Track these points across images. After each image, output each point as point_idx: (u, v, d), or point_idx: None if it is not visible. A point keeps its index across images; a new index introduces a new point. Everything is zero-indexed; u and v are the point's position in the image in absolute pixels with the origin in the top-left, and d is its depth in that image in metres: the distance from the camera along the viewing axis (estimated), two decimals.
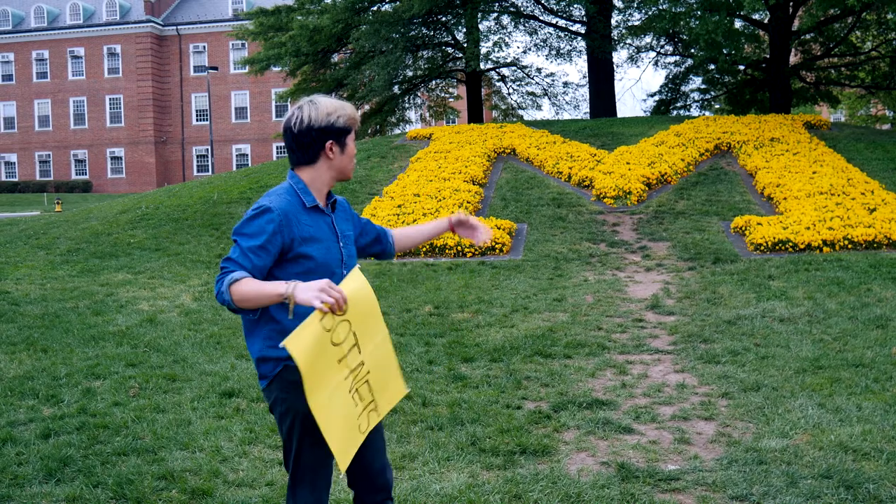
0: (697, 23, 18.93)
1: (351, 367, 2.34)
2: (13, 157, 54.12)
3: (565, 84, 29.80)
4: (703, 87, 28.25)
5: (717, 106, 29.87)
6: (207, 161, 51.43)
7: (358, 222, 2.75)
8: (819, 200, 12.16)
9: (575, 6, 24.58)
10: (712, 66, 24.36)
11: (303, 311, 2.24)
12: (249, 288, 2.27)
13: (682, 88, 28.20)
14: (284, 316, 2.36)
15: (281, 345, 2.14)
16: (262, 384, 2.48)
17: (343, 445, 2.33)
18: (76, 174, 53.20)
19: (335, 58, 28.52)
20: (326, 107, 2.46)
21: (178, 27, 53.13)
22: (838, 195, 12.44)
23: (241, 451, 4.37)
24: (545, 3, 25.65)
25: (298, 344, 2.17)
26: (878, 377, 5.50)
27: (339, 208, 2.61)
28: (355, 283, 2.33)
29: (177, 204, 15.37)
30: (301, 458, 2.46)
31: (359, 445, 2.41)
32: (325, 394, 2.26)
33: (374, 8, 24.72)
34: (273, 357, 2.42)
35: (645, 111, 29.70)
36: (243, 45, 49.15)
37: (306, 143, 2.46)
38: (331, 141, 2.47)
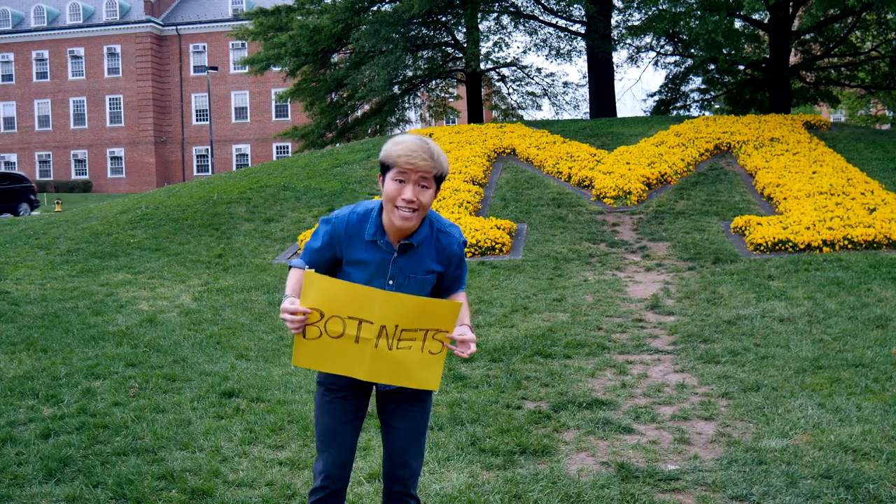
0: (697, 23, 18.94)
1: (375, 335, 2.41)
2: (13, 157, 54.11)
3: (565, 84, 29.81)
4: (703, 87, 28.26)
5: (716, 106, 29.87)
6: (207, 161, 51.43)
7: (448, 270, 2.59)
8: (819, 200, 12.16)
9: (575, 6, 24.58)
10: (712, 66, 24.37)
11: None
12: (287, 282, 2.57)
13: (682, 88, 28.21)
14: None
15: (292, 366, 2.38)
16: None
17: (425, 374, 2.43)
18: (76, 174, 53.19)
19: (335, 58, 28.52)
20: (387, 143, 2.51)
21: (178, 27, 53.12)
22: (838, 195, 12.44)
23: (241, 451, 4.37)
24: (545, 3, 25.65)
25: (299, 358, 2.46)
26: (878, 377, 5.50)
27: (422, 250, 2.52)
28: (316, 289, 2.39)
29: (177, 204, 15.37)
30: (318, 424, 2.64)
31: (438, 367, 2.44)
32: (365, 366, 2.44)
33: (374, 8, 24.73)
34: None
35: (645, 111, 29.71)
36: (243, 45, 49.15)
37: None
38: (380, 174, 2.50)
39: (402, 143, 2.42)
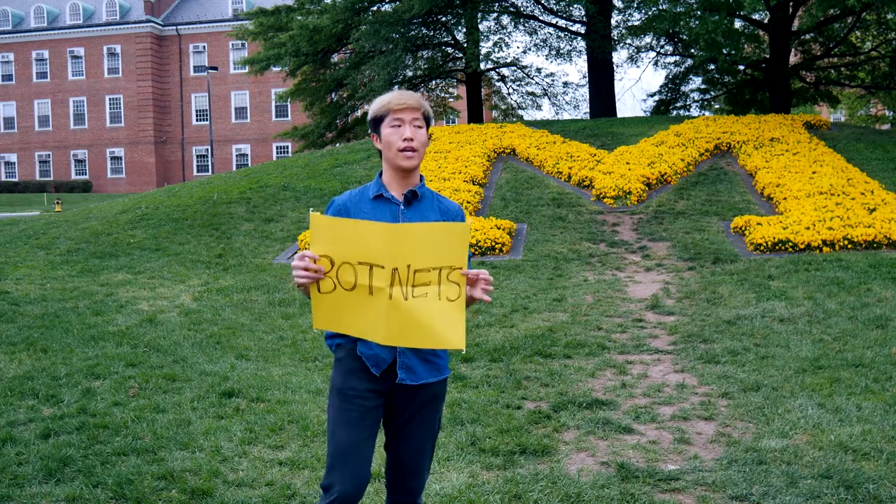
0: (697, 23, 18.93)
1: (387, 282, 2.32)
2: (13, 157, 54.12)
3: (565, 84, 29.81)
4: (702, 87, 28.26)
5: (716, 106, 29.87)
6: (207, 161, 51.43)
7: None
8: (819, 200, 12.16)
9: (575, 6, 24.58)
10: (712, 66, 24.37)
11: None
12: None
13: (682, 88, 28.21)
14: None
15: (314, 329, 2.32)
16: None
17: (447, 329, 2.32)
18: (76, 174, 53.19)
19: (335, 58, 28.51)
20: (371, 106, 2.62)
21: (178, 27, 53.12)
22: (838, 195, 12.44)
23: (241, 451, 4.37)
24: (545, 3, 25.65)
25: (322, 320, 2.35)
26: (878, 377, 5.50)
27: (425, 203, 2.59)
28: (321, 230, 2.33)
29: (177, 204, 15.37)
30: (333, 437, 2.49)
31: (458, 318, 2.33)
32: (381, 328, 2.33)
33: (374, 8, 24.72)
34: (331, 333, 2.59)
35: (645, 111, 29.71)
36: (243, 45, 49.14)
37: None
38: (373, 134, 2.60)
39: (386, 94, 2.56)
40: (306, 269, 2.31)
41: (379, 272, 2.31)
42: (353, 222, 2.34)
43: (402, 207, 2.53)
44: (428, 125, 2.58)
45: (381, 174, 2.61)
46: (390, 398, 2.54)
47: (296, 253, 2.52)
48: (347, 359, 2.51)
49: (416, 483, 2.59)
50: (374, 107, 2.57)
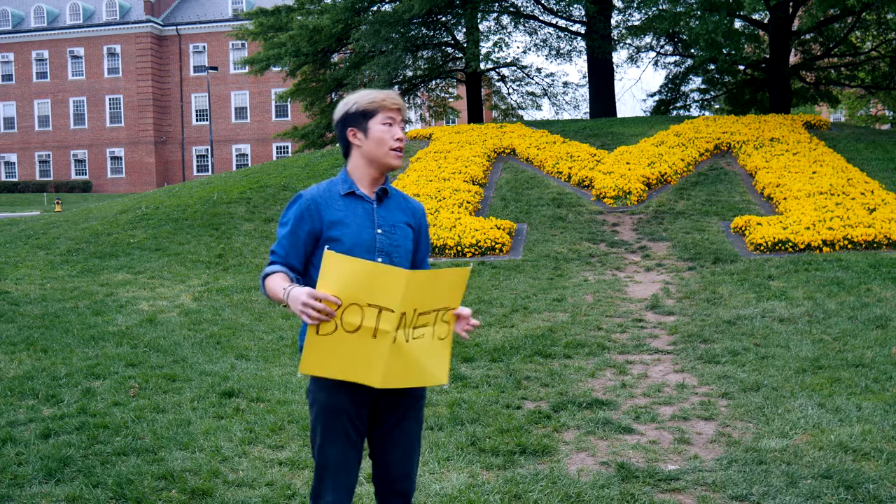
0: (697, 23, 18.93)
1: (394, 326, 2.26)
2: (13, 157, 54.12)
3: (565, 84, 29.83)
4: (702, 87, 28.27)
5: (716, 106, 29.87)
6: (207, 161, 51.43)
7: (418, 227, 2.62)
8: (819, 200, 12.16)
9: (575, 6, 24.59)
10: (712, 66, 24.37)
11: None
12: (270, 285, 2.40)
13: (682, 88, 28.22)
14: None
15: (299, 374, 2.22)
16: None
17: (433, 369, 2.32)
18: (76, 174, 53.19)
19: (335, 58, 28.51)
20: (346, 98, 2.55)
21: (178, 27, 53.12)
22: (838, 195, 12.44)
23: (241, 451, 4.37)
24: (545, 3, 25.66)
25: (309, 364, 2.23)
26: (878, 377, 5.50)
27: (396, 203, 2.58)
28: (335, 270, 2.24)
29: (177, 204, 15.37)
30: (323, 453, 2.46)
31: (444, 355, 2.37)
32: (380, 371, 2.26)
33: (374, 8, 24.72)
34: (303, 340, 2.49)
35: (645, 111, 29.72)
36: (243, 45, 49.15)
37: (339, 137, 2.57)
38: (351, 129, 2.52)
39: (372, 91, 2.52)
40: (319, 311, 2.20)
41: (387, 316, 2.26)
42: (370, 264, 2.27)
43: (375, 205, 2.51)
44: None
45: (346, 171, 2.55)
46: (374, 406, 2.50)
47: (264, 269, 2.51)
48: None
49: (407, 486, 2.56)
50: (358, 101, 2.50)
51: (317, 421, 2.46)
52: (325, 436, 2.45)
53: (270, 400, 5.31)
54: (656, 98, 28.45)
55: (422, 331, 2.34)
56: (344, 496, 2.47)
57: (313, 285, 2.37)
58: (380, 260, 2.45)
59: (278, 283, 2.36)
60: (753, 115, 19.68)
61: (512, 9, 25.71)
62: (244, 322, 8.04)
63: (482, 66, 25.14)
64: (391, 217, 2.53)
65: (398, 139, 2.50)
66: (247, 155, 52.76)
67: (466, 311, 2.45)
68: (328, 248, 2.32)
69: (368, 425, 2.54)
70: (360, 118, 2.50)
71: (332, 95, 28.65)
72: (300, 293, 2.23)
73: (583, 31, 25.24)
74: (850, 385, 5.36)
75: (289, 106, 49.16)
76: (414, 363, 2.32)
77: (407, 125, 30.44)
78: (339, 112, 2.54)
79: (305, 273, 2.50)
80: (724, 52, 19.92)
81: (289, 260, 2.46)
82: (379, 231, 2.48)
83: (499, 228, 11.90)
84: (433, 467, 4.10)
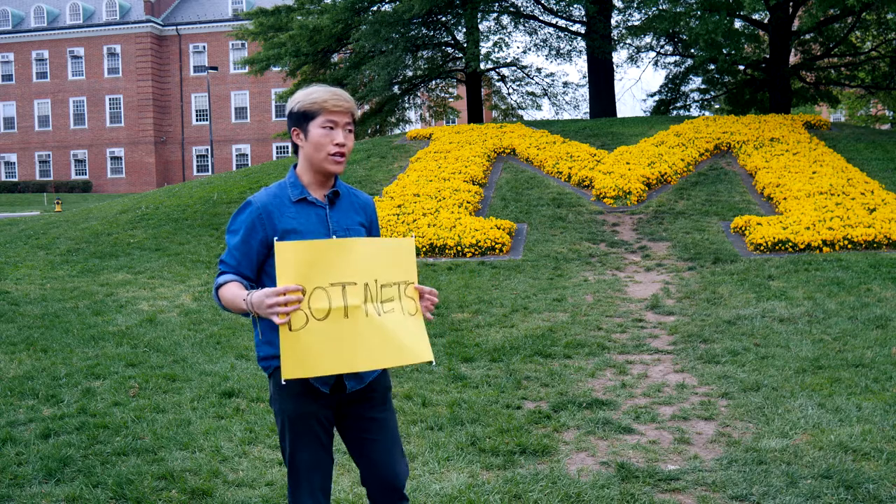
0: (697, 23, 18.93)
1: (361, 300, 2.25)
2: (13, 157, 54.13)
3: (565, 84, 29.82)
4: (702, 87, 28.26)
5: (716, 106, 29.87)
6: (207, 161, 51.43)
7: (370, 224, 2.59)
8: (819, 200, 12.16)
9: (575, 6, 24.59)
10: (712, 66, 24.36)
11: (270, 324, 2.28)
12: (227, 295, 2.31)
13: (682, 88, 28.21)
14: None
15: (283, 381, 2.20)
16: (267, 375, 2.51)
17: (413, 347, 2.31)
18: (76, 174, 53.20)
19: (335, 58, 28.50)
20: (295, 94, 2.44)
21: (178, 27, 53.12)
22: (838, 195, 12.44)
23: (241, 451, 4.37)
24: (545, 3, 25.65)
25: (291, 367, 2.18)
26: (878, 377, 5.50)
27: (349, 202, 2.52)
28: (288, 259, 2.20)
29: (177, 204, 15.37)
30: (294, 459, 2.44)
31: (419, 331, 2.36)
32: (357, 354, 2.23)
33: (374, 8, 24.72)
34: (265, 355, 2.43)
35: (645, 111, 29.71)
36: (243, 45, 49.16)
37: (289, 133, 2.47)
38: (294, 128, 2.42)
39: (319, 90, 2.39)
40: (286, 304, 2.14)
41: (352, 289, 2.25)
42: (319, 244, 2.24)
43: (328, 209, 2.45)
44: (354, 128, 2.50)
45: (295, 173, 2.46)
46: (342, 408, 2.48)
47: (217, 279, 2.45)
48: (293, 383, 2.34)
49: (397, 481, 2.53)
50: (302, 100, 2.39)
51: (285, 429, 2.42)
52: (294, 443, 2.42)
53: None
54: (656, 98, 28.45)
55: (390, 305, 2.32)
56: (321, 496, 2.46)
57: None
58: None
59: (236, 291, 2.29)
60: (753, 115, 19.68)
61: (512, 9, 25.71)
62: (244, 322, 8.04)
63: (482, 66, 25.15)
64: (345, 220, 2.48)
65: (338, 144, 2.38)
66: (247, 155, 52.77)
67: (426, 287, 2.43)
68: (277, 240, 2.24)
69: (344, 430, 2.51)
70: (301, 119, 2.40)
71: None
72: (262, 295, 2.17)
73: (583, 31, 25.23)
74: (850, 385, 5.36)
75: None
76: (392, 339, 2.29)
77: (407, 125, 30.44)
78: (287, 110, 2.47)
79: (258, 282, 2.42)
80: (724, 52, 19.92)
81: (241, 269, 2.38)
82: (334, 237, 2.42)
83: (499, 228, 11.90)
84: (433, 467, 4.10)
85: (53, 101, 53.52)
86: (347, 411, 2.48)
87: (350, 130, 2.43)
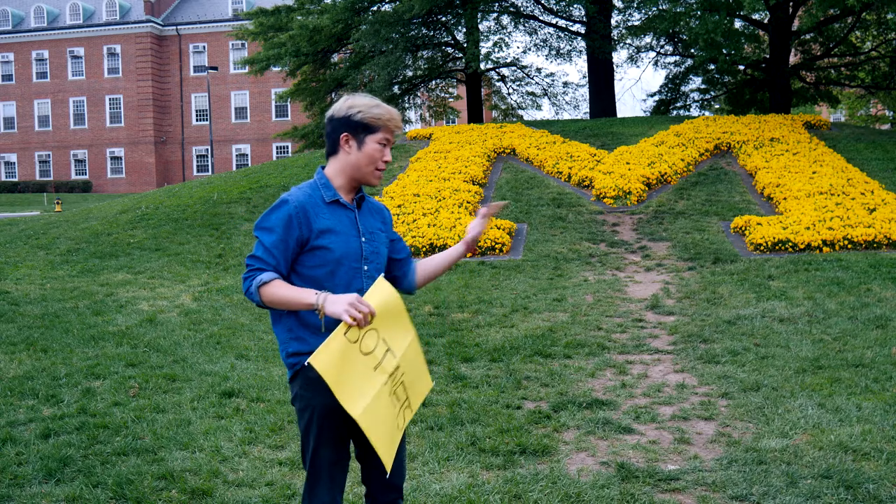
0: (697, 23, 18.94)
1: (388, 372, 2.36)
2: (13, 157, 54.11)
3: (565, 84, 29.83)
4: (702, 87, 28.27)
5: (716, 106, 29.88)
6: (207, 161, 51.42)
7: (391, 231, 2.69)
8: (819, 200, 12.16)
9: (575, 6, 24.59)
10: (712, 66, 24.37)
11: (332, 323, 2.29)
12: (280, 293, 2.34)
13: (682, 88, 28.22)
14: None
15: (307, 362, 2.21)
16: (288, 374, 2.52)
17: (388, 448, 2.38)
18: (76, 174, 53.18)
19: (335, 58, 28.51)
20: (352, 100, 2.50)
21: (178, 27, 53.11)
22: (838, 195, 12.44)
23: (241, 451, 4.37)
24: (545, 3, 25.65)
25: (324, 360, 2.24)
26: (878, 377, 5.50)
27: (369, 207, 2.61)
28: (381, 293, 2.34)
29: (177, 204, 15.37)
30: (317, 456, 2.46)
31: (397, 443, 2.44)
32: (365, 402, 2.29)
33: (374, 8, 24.73)
34: (294, 351, 2.45)
35: (645, 111, 29.72)
36: (243, 45, 49.14)
37: (328, 133, 2.52)
38: (346, 134, 2.47)
39: (380, 106, 2.49)
40: (357, 318, 2.21)
41: (390, 359, 2.37)
42: (402, 308, 2.39)
43: (357, 213, 2.53)
44: None
45: (325, 175, 2.51)
46: None
47: (257, 278, 2.47)
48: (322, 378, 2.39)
49: (399, 480, 2.61)
50: (365, 111, 2.46)
51: (311, 427, 2.45)
52: (319, 438, 2.44)
53: (270, 400, 5.31)
54: (656, 98, 28.46)
55: (401, 395, 2.46)
56: (338, 495, 2.50)
57: None
58: (365, 268, 2.49)
59: (295, 290, 2.33)
60: (753, 115, 19.68)
61: (512, 9, 25.71)
62: (244, 322, 8.04)
63: (482, 66, 25.15)
64: (369, 224, 2.57)
65: (386, 161, 2.52)
66: (247, 155, 52.75)
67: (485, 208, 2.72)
68: (383, 276, 2.42)
69: (354, 426, 2.52)
70: (359, 128, 2.46)
71: (332, 95, 28.64)
72: (345, 295, 2.26)
73: (583, 31, 25.23)
74: (850, 385, 5.36)
75: (289, 106, 49.15)
76: (387, 423, 2.39)
77: (407, 125, 30.44)
78: (339, 111, 2.49)
79: (288, 280, 2.45)
80: (724, 52, 19.92)
81: (279, 268, 2.40)
82: (363, 239, 2.51)
83: (499, 228, 11.90)
84: (433, 467, 4.10)
85: (53, 101, 53.51)
86: None
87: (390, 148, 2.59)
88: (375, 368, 2.32)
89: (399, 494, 2.62)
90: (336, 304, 2.24)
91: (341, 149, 2.49)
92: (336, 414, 2.41)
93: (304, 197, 2.44)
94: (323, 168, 2.54)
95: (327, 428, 2.43)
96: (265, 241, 2.40)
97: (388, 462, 2.36)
